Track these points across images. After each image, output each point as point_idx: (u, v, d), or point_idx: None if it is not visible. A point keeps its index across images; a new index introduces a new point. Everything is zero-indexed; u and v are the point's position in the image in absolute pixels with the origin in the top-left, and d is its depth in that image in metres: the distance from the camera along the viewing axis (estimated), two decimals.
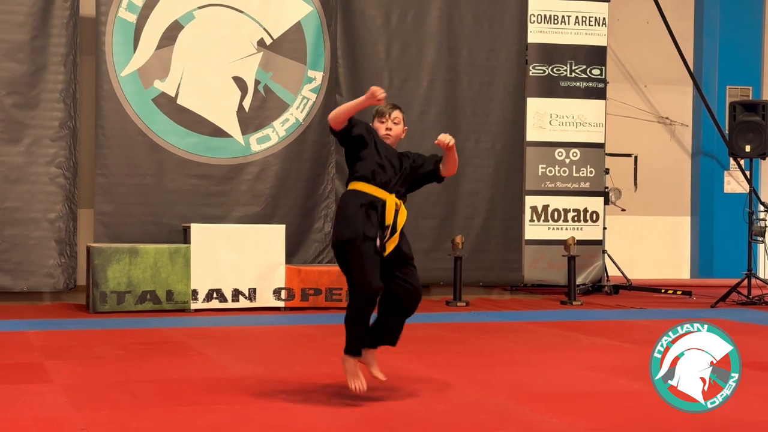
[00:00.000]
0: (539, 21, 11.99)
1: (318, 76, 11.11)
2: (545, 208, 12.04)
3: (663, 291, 11.87)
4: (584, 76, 12.13)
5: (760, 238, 11.92)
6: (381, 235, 4.91)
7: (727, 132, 12.17)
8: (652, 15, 12.94)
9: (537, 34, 11.99)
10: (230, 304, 9.84)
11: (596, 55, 12.19)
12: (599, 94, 12.22)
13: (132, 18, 10.53)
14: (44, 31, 10.30)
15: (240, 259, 9.88)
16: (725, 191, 14.49)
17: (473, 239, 11.45)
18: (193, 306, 9.73)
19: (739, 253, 12.21)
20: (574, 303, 10.85)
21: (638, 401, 5.21)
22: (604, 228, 12.16)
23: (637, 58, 14.22)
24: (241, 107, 10.87)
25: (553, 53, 12.06)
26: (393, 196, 5.03)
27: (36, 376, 5.86)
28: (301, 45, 11.06)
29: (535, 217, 11.99)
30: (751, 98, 13.90)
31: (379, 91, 4.95)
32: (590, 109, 12.15)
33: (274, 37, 10.98)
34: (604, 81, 12.24)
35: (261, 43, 10.94)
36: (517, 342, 7.73)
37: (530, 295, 12.01)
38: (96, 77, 10.43)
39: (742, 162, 12.47)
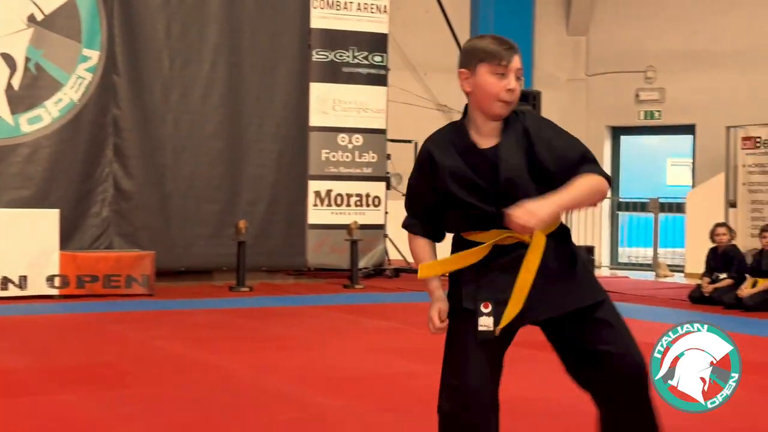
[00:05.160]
0: (322, 6, 12.01)
1: (94, 55, 10.66)
2: (329, 192, 12.10)
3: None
4: (366, 62, 12.26)
5: None
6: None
7: None
8: (432, 4, 13.24)
9: (320, 20, 12.00)
10: None
11: (378, 42, 12.35)
12: (381, 80, 12.39)
13: None
14: None
15: (9, 246, 9.35)
16: None
17: (257, 224, 11.36)
18: None
19: None
20: (356, 287, 10.98)
21: (420, 382, 5.33)
22: (386, 213, 12.37)
23: (418, 46, 14.53)
24: (9, 85, 10.27)
25: (335, 39, 12.11)
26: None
27: None
28: (75, 22, 10.57)
29: (318, 202, 12.03)
30: (523, 87, 14.46)
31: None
32: (372, 95, 12.30)
33: (46, 13, 10.43)
34: (386, 68, 12.43)
35: (31, 18, 10.36)
36: (301, 326, 7.74)
37: (314, 279, 12.06)
38: None
39: None
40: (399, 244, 12.49)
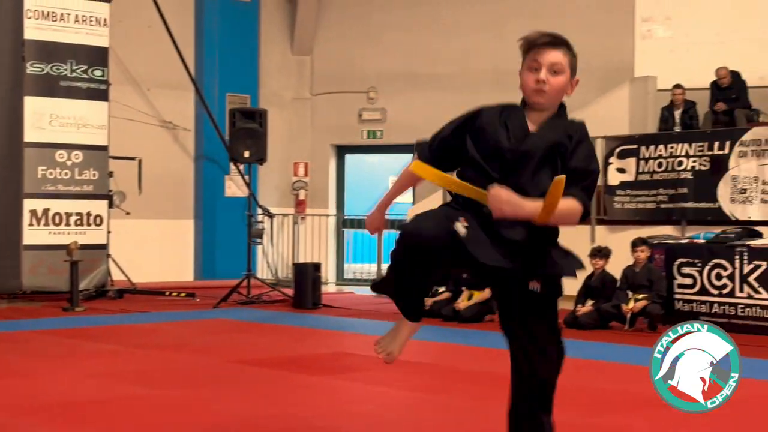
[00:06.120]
0: (36, 17, 11.45)
1: None
2: (46, 211, 11.53)
3: (167, 293, 11.97)
4: (86, 76, 11.81)
5: (258, 240, 12.52)
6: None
7: (227, 138, 12.60)
8: (155, 19, 13.00)
9: (34, 31, 11.42)
10: None
11: (98, 56, 11.92)
12: (102, 95, 11.97)
13: None
14: None
15: None
16: (226, 195, 15.00)
17: None
18: None
19: (240, 254, 12.71)
20: (77, 309, 10.53)
21: (141, 406, 5.17)
22: (109, 232, 11.95)
23: (140, 61, 14.19)
24: None
25: (52, 51, 11.57)
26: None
27: None
28: None
29: (35, 222, 11.43)
30: (249, 106, 14.53)
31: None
32: (93, 110, 11.85)
33: None
34: (107, 83, 12.03)
35: None
36: (15, 353, 7.31)
37: (30, 302, 11.44)
38: None
39: (241, 167, 12.97)
40: (123, 264, 12.11)
